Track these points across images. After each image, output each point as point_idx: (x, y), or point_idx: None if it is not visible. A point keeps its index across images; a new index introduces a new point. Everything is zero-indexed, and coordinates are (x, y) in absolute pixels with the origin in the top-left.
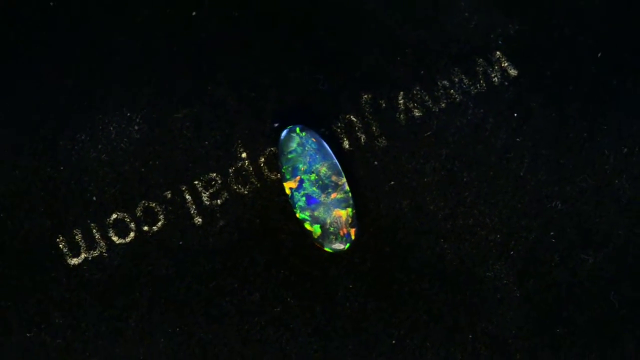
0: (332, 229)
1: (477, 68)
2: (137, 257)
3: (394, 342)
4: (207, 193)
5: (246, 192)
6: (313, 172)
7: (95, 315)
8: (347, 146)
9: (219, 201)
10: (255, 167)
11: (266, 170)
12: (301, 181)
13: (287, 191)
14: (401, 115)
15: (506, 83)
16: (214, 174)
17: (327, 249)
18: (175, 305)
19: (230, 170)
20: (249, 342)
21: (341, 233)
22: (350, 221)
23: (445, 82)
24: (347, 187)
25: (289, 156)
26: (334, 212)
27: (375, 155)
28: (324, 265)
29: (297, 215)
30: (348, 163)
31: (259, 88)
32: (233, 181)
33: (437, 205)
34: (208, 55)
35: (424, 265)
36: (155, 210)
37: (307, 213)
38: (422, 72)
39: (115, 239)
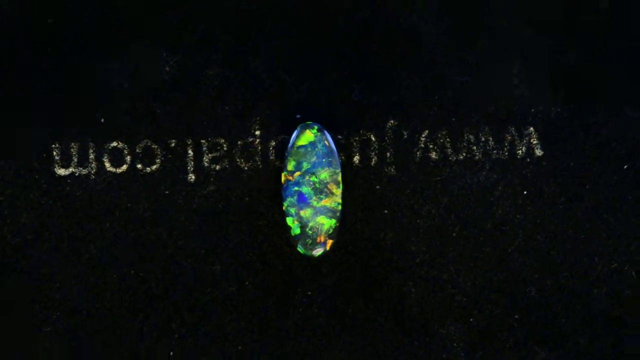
0: (310, 232)
1: (507, 135)
2: (120, 189)
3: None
4: (210, 156)
5: (246, 168)
6: (314, 174)
7: (60, 228)
8: (356, 161)
9: (217, 167)
10: (264, 148)
11: (272, 155)
12: (300, 177)
13: (283, 181)
14: (418, 152)
15: (528, 159)
16: (222, 140)
17: (299, 250)
18: (137, 248)
19: (239, 142)
20: (194, 310)
21: (318, 240)
22: (330, 232)
23: (471, 136)
24: (340, 200)
25: (298, 150)
26: (319, 218)
27: (380, 180)
28: (292, 263)
29: (284, 207)
30: (351, 177)
31: (296, 76)
32: (238, 153)
33: (419, 249)
34: (261, 28)
35: (385, 299)
36: (155, 152)
37: (294, 210)
38: (453, 119)
39: (107, 165)
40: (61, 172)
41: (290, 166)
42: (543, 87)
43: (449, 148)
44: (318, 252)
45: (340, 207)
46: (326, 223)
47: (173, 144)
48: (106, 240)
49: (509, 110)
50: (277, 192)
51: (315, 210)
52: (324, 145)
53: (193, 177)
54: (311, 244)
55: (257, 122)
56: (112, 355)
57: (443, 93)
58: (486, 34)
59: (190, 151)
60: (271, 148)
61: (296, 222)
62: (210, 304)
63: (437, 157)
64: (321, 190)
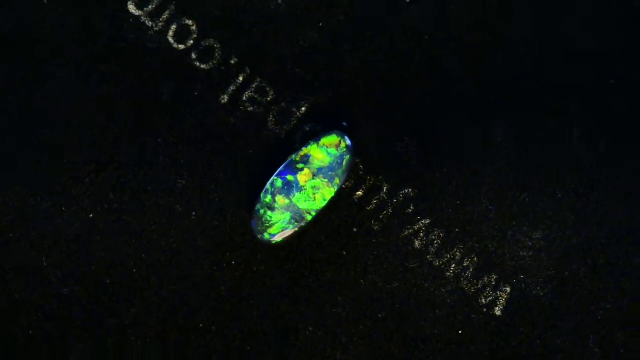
0: (269, 217)
1: (486, 279)
2: (160, 63)
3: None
4: (250, 93)
5: (270, 127)
6: (314, 179)
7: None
8: (356, 197)
9: (250, 108)
10: (297, 124)
11: (301, 136)
12: (299, 171)
13: (285, 161)
14: (411, 239)
15: (487, 319)
16: (270, 90)
17: (252, 228)
18: (136, 139)
19: (282, 103)
20: (148, 233)
21: (268, 229)
22: (287, 233)
23: (457, 255)
24: (314, 213)
25: (318, 148)
26: (286, 215)
27: (360, 227)
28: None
29: (268, 184)
30: (340, 205)
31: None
32: (274, 111)
33: (346, 308)
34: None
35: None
36: (211, 49)
37: (270, 196)
38: (457, 230)
39: (170, 34)
40: (133, 10)
41: (300, 156)
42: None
43: (435, 255)
44: (271, 241)
45: (309, 219)
46: (289, 225)
47: (232, 62)
48: (124, 117)
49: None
50: (277, 165)
51: (291, 207)
52: (341, 162)
53: (224, 100)
54: (267, 230)
55: (305, 104)
56: None
57: (453, 204)
58: None
59: (241, 77)
60: (307, 130)
61: (266, 207)
62: (166, 250)
63: (418, 247)
64: (308, 197)
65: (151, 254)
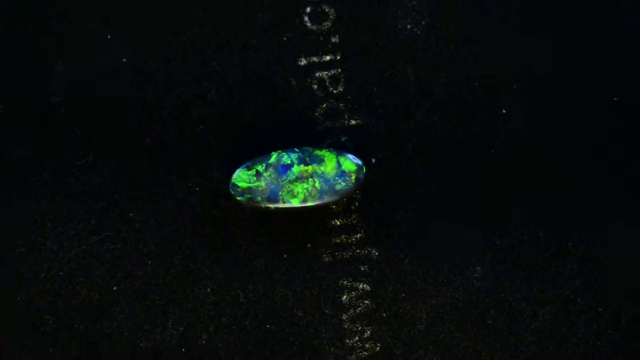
0: (259, 187)
1: None
2: None
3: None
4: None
5: (317, 114)
6: (308, 180)
7: None
8: (337, 222)
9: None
10: (339, 130)
11: (331, 140)
12: (303, 162)
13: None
14: (342, 291)
15: None
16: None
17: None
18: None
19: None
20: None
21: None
22: (259, 206)
23: (366, 332)
24: (280, 207)
25: (334, 158)
26: (267, 190)
27: (314, 248)
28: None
29: (271, 156)
30: (309, 218)
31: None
32: (328, 106)
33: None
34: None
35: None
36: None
37: (263, 165)
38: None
39: None
40: None
41: (318, 153)
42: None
43: (354, 313)
44: (241, 200)
45: (276, 207)
46: (265, 203)
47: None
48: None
49: None
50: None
51: (281, 188)
52: (349, 183)
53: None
54: (242, 199)
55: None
56: None
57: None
58: None
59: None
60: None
61: (255, 179)
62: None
63: (343, 301)
64: (293, 187)
65: None
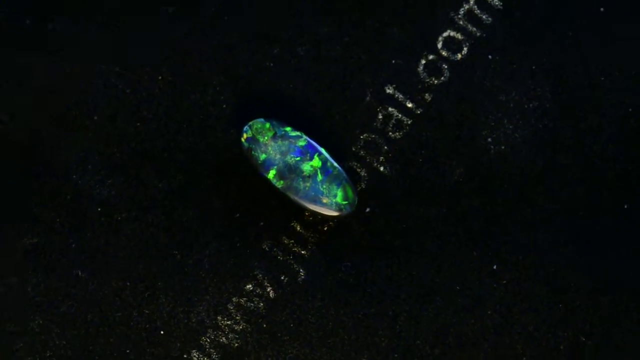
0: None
1: None
2: None
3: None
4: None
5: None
6: (310, 172)
7: None
8: (323, 228)
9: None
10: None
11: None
12: (309, 160)
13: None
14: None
15: None
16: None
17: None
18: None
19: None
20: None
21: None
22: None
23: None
24: (277, 185)
25: (336, 185)
26: (270, 160)
27: (289, 237)
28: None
29: (286, 132)
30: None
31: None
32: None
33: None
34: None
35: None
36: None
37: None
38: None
39: None
40: None
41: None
42: None
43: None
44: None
45: (280, 184)
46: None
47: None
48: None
49: None
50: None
51: (291, 168)
52: (341, 207)
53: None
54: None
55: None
56: None
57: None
58: None
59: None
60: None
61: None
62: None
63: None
64: (293, 173)
65: None
